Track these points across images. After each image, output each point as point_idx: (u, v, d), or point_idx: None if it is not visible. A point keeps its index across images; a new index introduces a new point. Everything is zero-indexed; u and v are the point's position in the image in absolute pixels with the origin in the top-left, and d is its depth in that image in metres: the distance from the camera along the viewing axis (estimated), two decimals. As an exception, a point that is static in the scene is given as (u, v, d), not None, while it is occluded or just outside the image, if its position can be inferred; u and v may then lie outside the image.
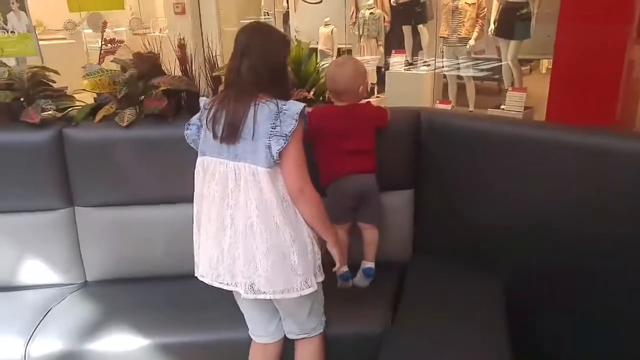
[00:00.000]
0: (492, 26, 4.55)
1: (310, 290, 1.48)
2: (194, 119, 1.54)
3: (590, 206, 1.67)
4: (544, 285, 1.81)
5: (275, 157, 1.40)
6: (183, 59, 2.09)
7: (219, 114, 1.43)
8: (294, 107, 1.42)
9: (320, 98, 2.12)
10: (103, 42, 1.99)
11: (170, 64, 2.13)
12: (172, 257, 1.99)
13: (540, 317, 1.83)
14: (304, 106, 1.43)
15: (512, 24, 4.38)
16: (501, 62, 4.68)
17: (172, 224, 1.97)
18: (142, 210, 1.99)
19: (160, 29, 7.41)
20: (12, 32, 2.93)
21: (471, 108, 4.77)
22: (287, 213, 1.45)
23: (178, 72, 2.09)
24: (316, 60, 2.19)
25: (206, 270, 1.52)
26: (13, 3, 2.94)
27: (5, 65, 2.14)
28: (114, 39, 2.07)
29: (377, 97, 5.69)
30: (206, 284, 1.52)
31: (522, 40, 4.36)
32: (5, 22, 2.91)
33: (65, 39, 6.20)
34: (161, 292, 1.94)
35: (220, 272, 1.49)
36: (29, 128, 1.84)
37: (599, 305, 1.71)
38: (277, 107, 1.41)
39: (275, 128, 1.39)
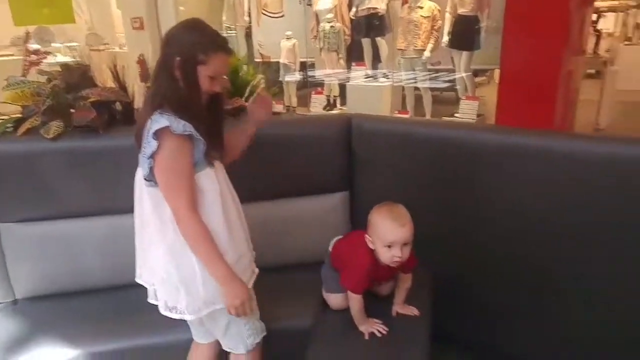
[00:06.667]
0: (446, 38, 4.64)
1: (190, 317, 1.38)
2: None
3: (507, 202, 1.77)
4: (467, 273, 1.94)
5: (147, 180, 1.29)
6: (144, 75, 2.07)
7: None
8: (155, 124, 1.21)
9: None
10: (26, 54, 1.93)
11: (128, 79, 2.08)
12: (107, 269, 1.96)
13: (466, 303, 1.94)
14: (166, 126, 1.20)
15: (464, 36, 4.48)
16: (456, 73, 4.76)
17: (104, 236, 1.94)
18: (71, 224, 1.93)
19: (120, 45, 7.27)
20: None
21: (428, 117, 4.84)
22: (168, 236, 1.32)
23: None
24: (253, 69, 2.20)
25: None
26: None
27: None
28: (38, 49, 2.01)
29: (340, 109, 5.72)
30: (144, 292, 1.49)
31: (474, 51, 4.46)
32: None
33: (13, 55, 5.91)
34: (95, 303, 1.90)
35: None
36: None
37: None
38: (150, 120, 1.24)
39: (145, 148, 1.24)
